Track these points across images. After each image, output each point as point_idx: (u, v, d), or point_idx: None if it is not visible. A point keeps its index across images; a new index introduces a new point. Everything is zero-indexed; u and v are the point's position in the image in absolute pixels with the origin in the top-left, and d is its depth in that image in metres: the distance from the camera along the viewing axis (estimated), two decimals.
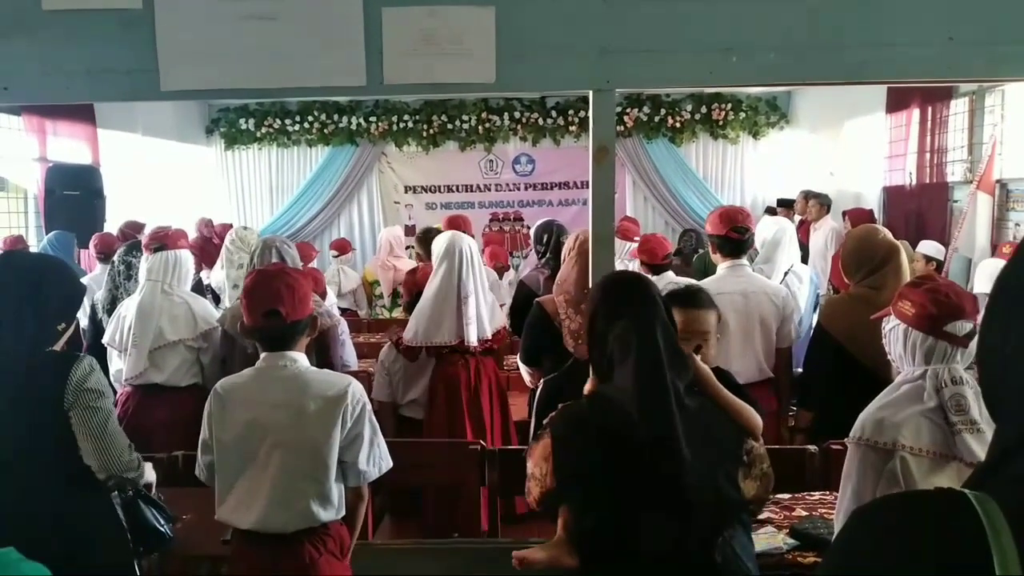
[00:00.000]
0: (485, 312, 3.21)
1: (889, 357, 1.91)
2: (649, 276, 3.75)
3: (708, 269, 4.44)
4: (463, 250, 3.18)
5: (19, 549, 1.11)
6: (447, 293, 3.14)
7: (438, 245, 3.28)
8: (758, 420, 1.81)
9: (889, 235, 2.93)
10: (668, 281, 3.55)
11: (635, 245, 4.43)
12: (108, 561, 1.98)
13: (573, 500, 1.69)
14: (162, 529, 2.18)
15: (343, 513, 2.05)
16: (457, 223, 4.56)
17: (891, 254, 2.82)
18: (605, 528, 1.64)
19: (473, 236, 4.60)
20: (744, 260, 3.19)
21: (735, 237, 3.14)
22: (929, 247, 5.05)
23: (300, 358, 2.06)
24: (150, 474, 2.20)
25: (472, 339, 3.14)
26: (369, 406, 2.07)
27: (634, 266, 4.40)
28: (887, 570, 0.65)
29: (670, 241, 4.09)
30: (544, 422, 1.74)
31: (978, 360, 0.81)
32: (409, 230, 8.48)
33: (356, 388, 2.04)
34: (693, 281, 3.24)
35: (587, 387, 1.79)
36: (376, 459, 2.06)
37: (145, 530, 2.12)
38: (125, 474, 2.03)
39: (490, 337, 3.22)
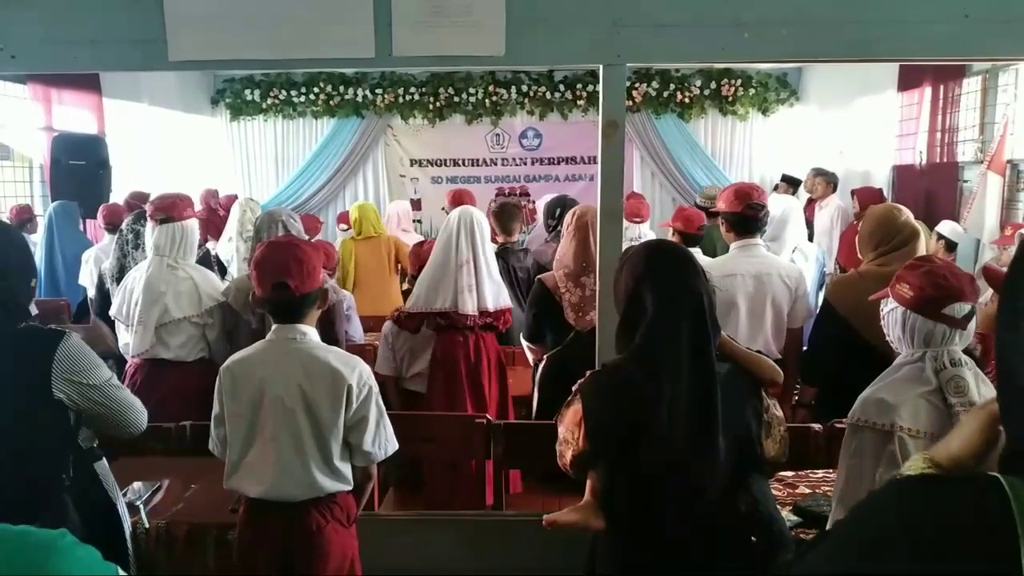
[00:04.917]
0: (488, 284, 3.19)
1: (887, 339, 1.90)
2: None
3: (715, 247, 4.42)
4: (464, 220, 3.18)
5: None
6: (445, 260, 3.16)
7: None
8: (777, 369, 1.81)
9: (912, 217, 2.87)
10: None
11: (639, 227, 4.41)
12: None
13: (604, 464, 1.71)
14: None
15: (351, 487, 2.08)
16: (461, 197, 4.56)
17: (912, 236, 2.78)
18: (634, 491, 1.67)
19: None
20: (757, 239, 3.12)
21: (751, 215, 3.06)
22: (946, 228, 4.93)
23: (310, 331, 2.07)
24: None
25: (467, 307, 3.11)
26: (376, 389, 2.08)
27: None
28: (915, 554, 0.65)
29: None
30: (574, 388, 1.74)
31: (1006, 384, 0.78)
32: (414, 204, 8.45)
33: (364, 371, 2.05)
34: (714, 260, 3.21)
35: (617, 353, 1.76)
36: (382, 441, 2.08)
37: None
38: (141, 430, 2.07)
39: (491, 311, 3.19)
